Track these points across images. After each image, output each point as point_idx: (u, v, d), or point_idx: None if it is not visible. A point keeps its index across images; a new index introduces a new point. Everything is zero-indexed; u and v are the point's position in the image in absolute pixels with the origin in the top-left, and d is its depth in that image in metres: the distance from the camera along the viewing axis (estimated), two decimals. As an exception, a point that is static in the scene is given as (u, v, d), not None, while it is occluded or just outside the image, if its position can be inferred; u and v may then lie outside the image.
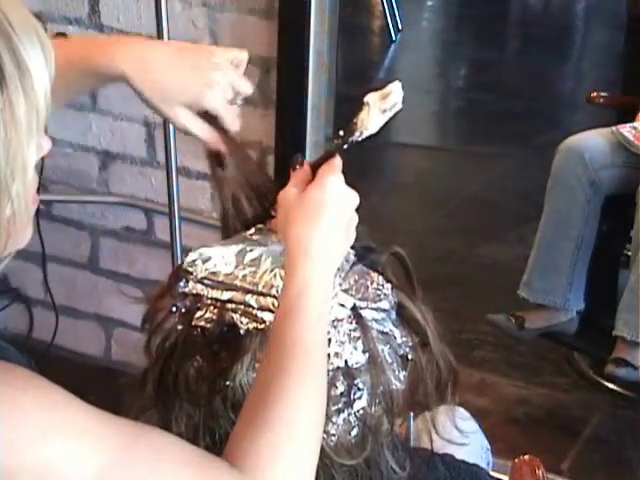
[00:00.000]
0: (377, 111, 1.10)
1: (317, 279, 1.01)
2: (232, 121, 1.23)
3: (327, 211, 1.04)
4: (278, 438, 0.92)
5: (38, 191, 0.94)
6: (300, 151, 2.40)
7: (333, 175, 1.07)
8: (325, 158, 1.10)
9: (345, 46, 4.63)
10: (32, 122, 0.87)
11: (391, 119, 1.11)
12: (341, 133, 1.11)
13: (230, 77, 1.22)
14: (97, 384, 2.55)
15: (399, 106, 1.11)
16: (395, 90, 1.11)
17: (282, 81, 2.38)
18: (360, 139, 1.10)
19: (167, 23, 2.28)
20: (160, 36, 2.28)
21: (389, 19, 5.62)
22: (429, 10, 6.62)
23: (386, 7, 5.59)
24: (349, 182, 1.08)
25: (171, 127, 2.31)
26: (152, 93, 1.21)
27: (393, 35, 5.65)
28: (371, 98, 1.10)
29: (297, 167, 1.10)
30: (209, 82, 1.21)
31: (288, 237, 1.04)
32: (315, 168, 1.09)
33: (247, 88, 1.24)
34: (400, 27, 5.67)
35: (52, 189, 2.76)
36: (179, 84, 1.21)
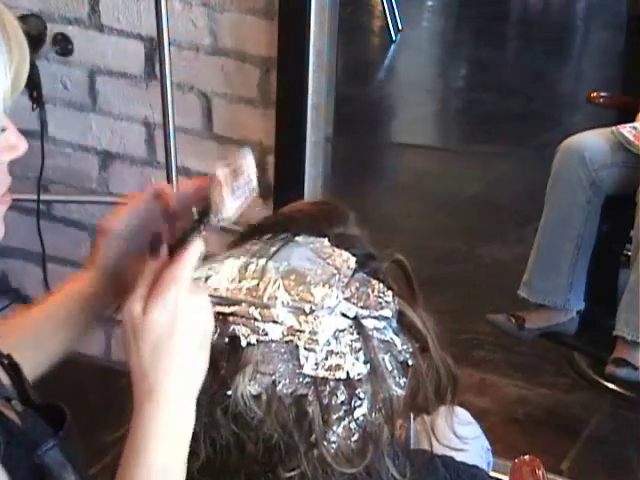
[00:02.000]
0: (229, 193, 1.02)
1: (163, 428, 0.96)
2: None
3: (175, 340, 0.97)
4: None
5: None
6: (300, 151, 2.40)
7: (175, 287, 0.97)
8: (182, 241, 1.02)
9: (345, 46, 4.63)
10: None
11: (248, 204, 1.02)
12: (195, 212, 1.04)
13: None
14: (97, 384, 2.55)
15: (253, 185, 1.04)
16: (245, 164, 1.03)
17: (282, 81, 2.38)
18: (219, 225, 1.04)
19: (167, 23, 2.27)
20: (160, 36, 2.28)
21: (389, 19, 5.62)
22: (429, 10, 6.61)
23: (386, 7, 5.59)
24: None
25: (171, 127, 2.31)
26: None
27: (393, 35, 5.65)
28: (222, 174, 1.03)
29: (156, 249, 1.02)
30: None
31: (132, 366, 0.98)
32: (174, 250, 1.01)
33: None
34: (400, 27, 5.67)
35: (52, 189, 2.76)
36: None
